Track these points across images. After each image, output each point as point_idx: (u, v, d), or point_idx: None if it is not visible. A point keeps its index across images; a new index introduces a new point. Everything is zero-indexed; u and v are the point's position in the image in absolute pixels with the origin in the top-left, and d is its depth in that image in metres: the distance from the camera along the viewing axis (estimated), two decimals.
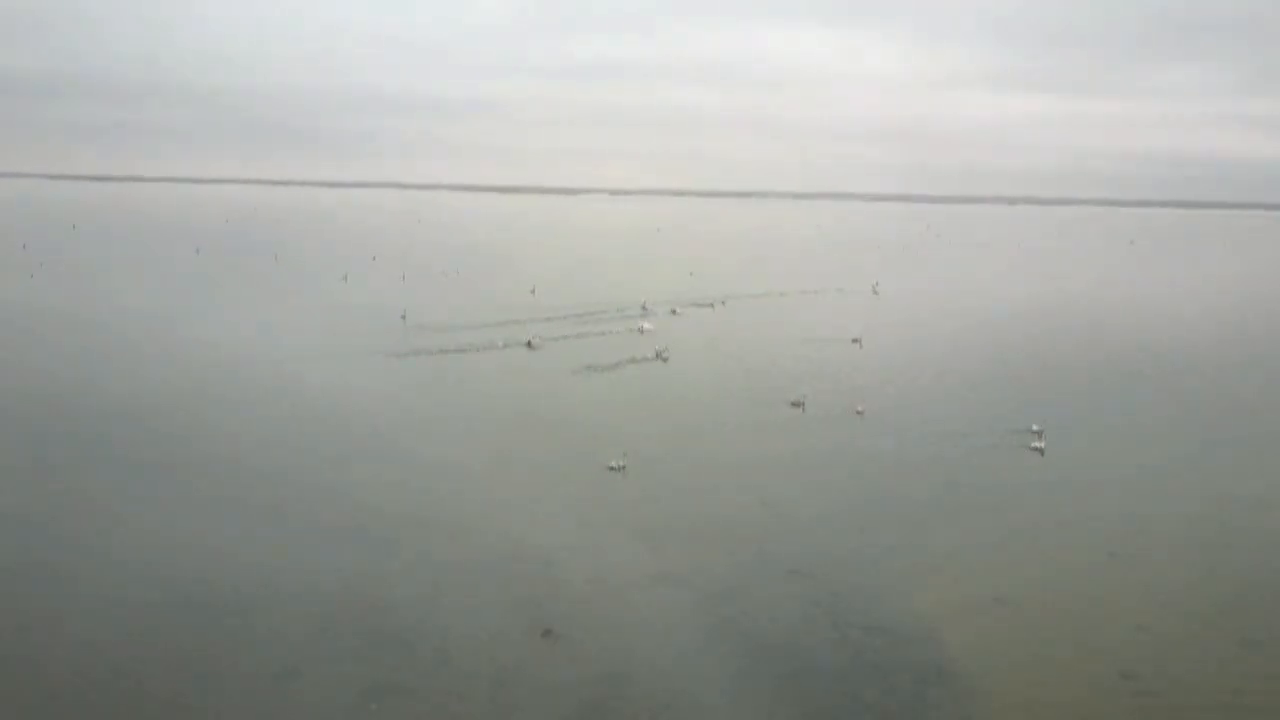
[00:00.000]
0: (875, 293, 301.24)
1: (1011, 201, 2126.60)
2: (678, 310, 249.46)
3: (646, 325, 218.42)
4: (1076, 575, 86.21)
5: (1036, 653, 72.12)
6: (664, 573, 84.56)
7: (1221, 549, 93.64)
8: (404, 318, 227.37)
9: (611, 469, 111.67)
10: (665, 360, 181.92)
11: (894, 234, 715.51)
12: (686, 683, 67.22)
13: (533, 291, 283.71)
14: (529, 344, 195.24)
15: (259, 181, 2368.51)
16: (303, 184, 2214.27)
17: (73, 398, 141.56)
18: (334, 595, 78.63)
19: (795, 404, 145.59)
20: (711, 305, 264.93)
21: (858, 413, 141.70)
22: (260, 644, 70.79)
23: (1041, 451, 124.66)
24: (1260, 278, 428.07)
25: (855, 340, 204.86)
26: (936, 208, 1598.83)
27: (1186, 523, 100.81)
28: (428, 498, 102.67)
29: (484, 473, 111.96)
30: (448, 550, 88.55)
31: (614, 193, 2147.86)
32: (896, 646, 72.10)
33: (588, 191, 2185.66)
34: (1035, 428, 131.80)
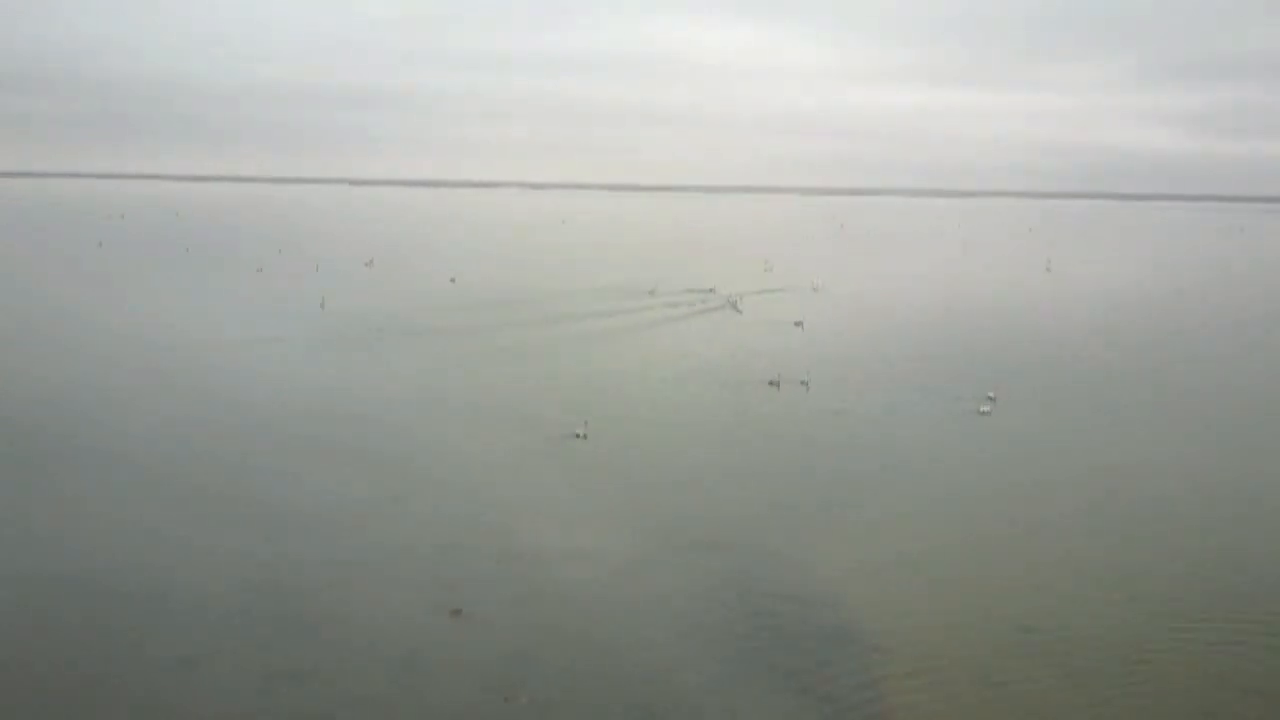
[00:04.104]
0: (815, 290, 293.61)
1: (916, 194, 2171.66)
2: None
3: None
4: (983, 538, 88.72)
5: (939, 612, 74.07)
6: (585, 541, 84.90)
7: (1118, 514, 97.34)
8: (322, 306, 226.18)
9: (578, 436, 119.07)
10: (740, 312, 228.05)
11: (807, 228, 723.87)
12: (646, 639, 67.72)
13: (453, 280, 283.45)
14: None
15: (160, 177, 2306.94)
16: (193, 179, 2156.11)
17: None
18: (251, 583, 77.39)
19: (772, 383, 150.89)
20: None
21: (802, 384, 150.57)
22: (164, 631, 69.21)
23: (987, 415, 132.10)
24: (1159, 264, 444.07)
25: (798, 324, 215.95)
26: (849, 200, 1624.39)
27: (1099, 487, 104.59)
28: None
29: (456, 442, 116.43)
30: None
31: (531, 187, 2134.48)
32: (805, 610, 73.46)
33: (503, 185, 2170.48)
34: (990, 394, 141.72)
